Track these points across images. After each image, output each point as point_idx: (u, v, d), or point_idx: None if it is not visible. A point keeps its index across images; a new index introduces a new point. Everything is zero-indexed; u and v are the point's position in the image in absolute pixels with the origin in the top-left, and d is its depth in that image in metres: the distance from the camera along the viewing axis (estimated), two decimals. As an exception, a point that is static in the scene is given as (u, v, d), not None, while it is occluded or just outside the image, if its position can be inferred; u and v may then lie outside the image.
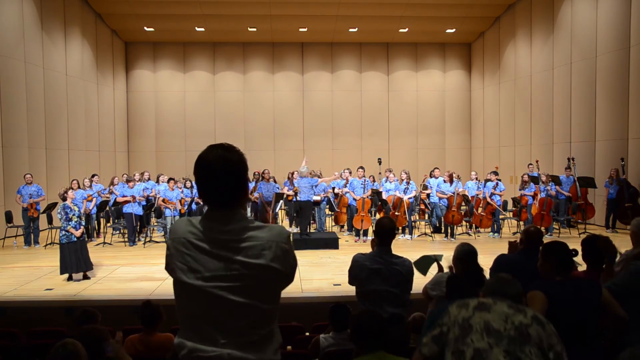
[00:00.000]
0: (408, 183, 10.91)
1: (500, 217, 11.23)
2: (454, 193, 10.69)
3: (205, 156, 1.73)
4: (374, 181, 12.63)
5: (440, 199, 11.16)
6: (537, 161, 12.50)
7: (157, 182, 12.18)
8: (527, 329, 1.87)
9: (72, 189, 8.41)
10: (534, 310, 1.99)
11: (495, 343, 1.82)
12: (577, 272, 3.81)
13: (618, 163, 11.22)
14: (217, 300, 1.67)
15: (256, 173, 12.80)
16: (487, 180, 11.43)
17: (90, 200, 10.75)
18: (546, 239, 3.40)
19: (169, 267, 1.78)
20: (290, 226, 12.43)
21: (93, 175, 11.79)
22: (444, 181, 11.30)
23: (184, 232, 1.74)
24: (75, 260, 7.34)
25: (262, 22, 16.08)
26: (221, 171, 1.70)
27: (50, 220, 10.84)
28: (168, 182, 11.41)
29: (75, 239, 7.40)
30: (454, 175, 11.55)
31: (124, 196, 10.69)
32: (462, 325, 1.90)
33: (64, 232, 7.38)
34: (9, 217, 10.63)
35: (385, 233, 3.47)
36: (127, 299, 6.02)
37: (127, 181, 11.04)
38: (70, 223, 7.36)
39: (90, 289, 6.98)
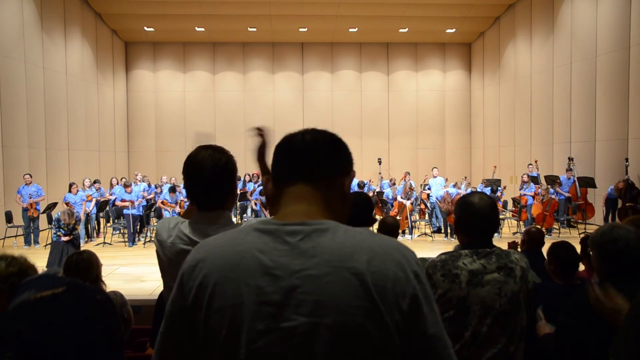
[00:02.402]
0: (411, 192, 10.95)
1: (500, 217, 11.20)
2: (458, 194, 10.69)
3: (194, 156, 1.73)
4: (372, 182, 12.63)
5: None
6: (536, 161, 12.50)
7: (157, 189, 12.24)
8: (517, 296, 1.87)
9: (72, 192, 8.62)
10: (520, 263, 1.93)
11: (493, 322, 1.83)
12: (578, 272, 3.80)
13: (617, 163, 11.19)
14: None
15: (255, 175, 12.77)
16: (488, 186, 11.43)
17: (90, 200, 10.75)
18: (547, 239, 3.38)
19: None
20: None
21: (95, 182, 11.74)
22: (445, 182, 11.29)
23: (168, 236, 1.73)
24: (61, 259, 7.56)
25: (262, 22, 16.07)
26: (209, 171, 1.69)
27: (50, 220, 10.81)
28: (170, 192, 11.43)
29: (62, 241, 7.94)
30: (463, 181, 11.50)
31: (122, 200, 10.70)
32: (457, 306, 1.85)
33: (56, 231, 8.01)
34: (9, 217, 10.63)
35: (388, 232, 3.46)
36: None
37: (125, 186, 10.98)
38: (60, 230, 7.95)
39: (90, 289, 6.98)
